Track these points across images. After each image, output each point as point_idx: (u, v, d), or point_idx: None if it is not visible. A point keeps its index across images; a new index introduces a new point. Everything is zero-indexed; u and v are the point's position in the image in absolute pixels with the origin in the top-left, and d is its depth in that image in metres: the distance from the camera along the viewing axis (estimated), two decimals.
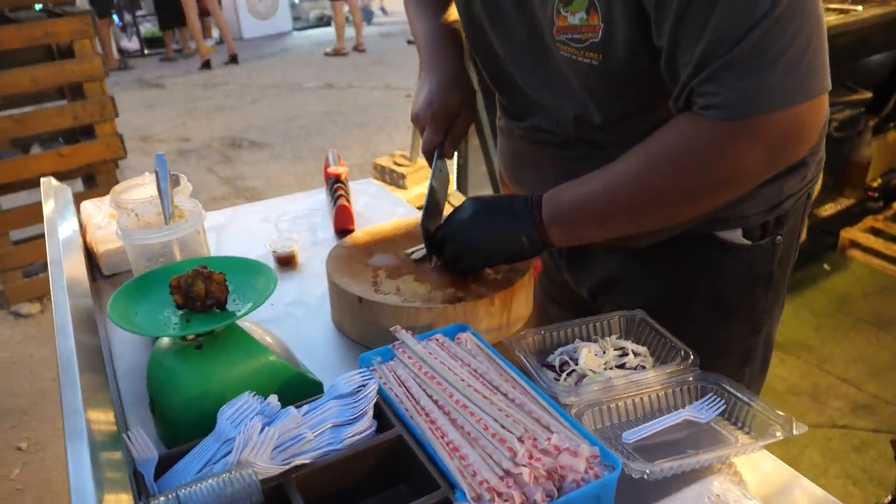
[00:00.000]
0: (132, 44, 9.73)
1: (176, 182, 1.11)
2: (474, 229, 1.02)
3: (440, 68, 1.13)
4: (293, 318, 1.17)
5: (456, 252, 1.04)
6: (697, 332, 1.09)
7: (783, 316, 1.20)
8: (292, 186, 4.68)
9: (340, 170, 1.58)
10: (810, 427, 1.08)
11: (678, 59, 0.84)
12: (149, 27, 9.75)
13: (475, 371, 0.89)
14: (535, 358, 0.99)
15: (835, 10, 2.82)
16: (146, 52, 9.48)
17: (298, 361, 1.00)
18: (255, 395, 0.82)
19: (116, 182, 3.31)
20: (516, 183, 1.23)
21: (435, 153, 1.10)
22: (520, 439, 0.76)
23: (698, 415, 0.90)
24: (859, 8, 2.79)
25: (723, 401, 0.91)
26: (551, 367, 0.99)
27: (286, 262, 1.35)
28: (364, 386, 0.86)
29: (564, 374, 0.96)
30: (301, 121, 6.08)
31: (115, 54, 8.84)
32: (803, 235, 1.18)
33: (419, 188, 3.36)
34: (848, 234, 3.34)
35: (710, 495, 0.77)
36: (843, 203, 3.37)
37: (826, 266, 3.27)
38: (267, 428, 0.76)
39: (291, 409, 0.79)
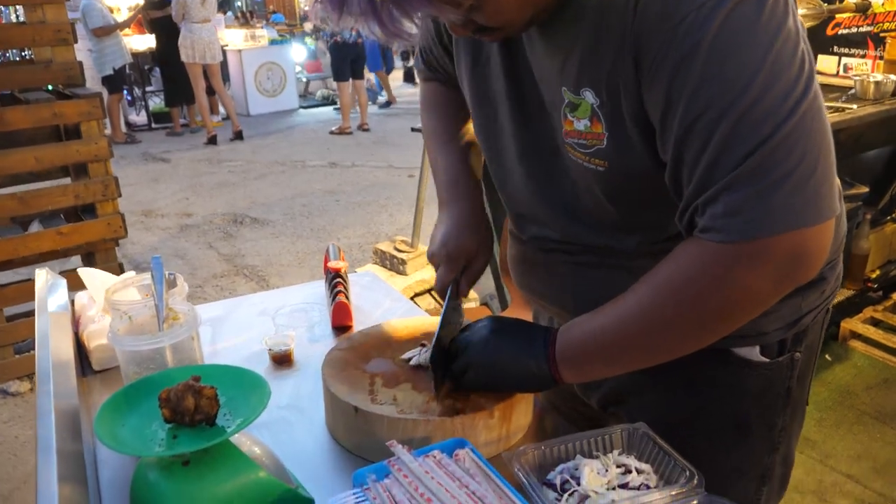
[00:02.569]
0: (140, 118, 9.93)
1: (172, 283, 1.10)
2: (487, 348, 1.00)
3: (458, 210, 1.15)
4: (286, 423, 1.14)
5: (463, 366, 1.02)
6: (711, 450, 1.05)
7: None
8: (291, 265, 4.68)
9: (340, 264, 1.57)
10: None
11: (682, 175, 0.83)
12: (157, 102, 9.97)
13: (473, 493, 0.86)
14: (535, 475, 0.96)
15: (830, 108, 2.88)
16: (153, 126, 9.67)
17: (289, 474, 0.96)
18: None
19: (115, 260, 3.31)
20: (525, 288, 1.21)
21: (448, 292, 1.09)
22: None
23: None
24: (854, 106, 2.85)
25: None
26: (552, 486, 0.96)
27: (282, 360, 1.32)
28: None
29: (566, 496, 0.92)
30: (303, 199, 6.13)
31: (123, 128, 9.01)
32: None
33: (419, 274, 3.36)
34: (848, 324, 3.31)
35: None
36: (844, 294, 3.36)
37: (828, 357, 3.23)
38: None
39: None
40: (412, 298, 3.32)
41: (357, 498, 0.84)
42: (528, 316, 2.37)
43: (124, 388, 0.91)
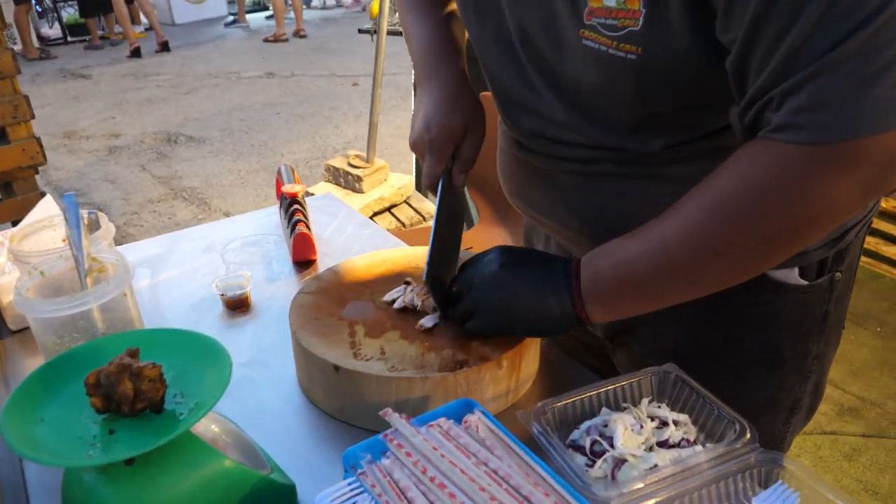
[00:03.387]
0: (54, 31, 9.13)
1: (94, 225, 0.88)
2: (496, 287, 0.83)
3: (438, 86, 0.95)
4: (250, 385, 0.96)
5: (468, 309, 0.85)
6: (737, 385, 0.92)
7: None
8: (234, 186, 4.38)
9: (296, 188, 1.36)
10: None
11: (752, 61, 0.65)
12: (71, 12, 9.16)
13: (495, 473, 0.70)
14: (558, 435, 0.80)
15: None
16: (69, 39, 8.91)
17: (261, 454, 0.79)
18: None
19: (36, 189, 2.99)
20: (521, 200, 1.02)
21: (440, 185, 0.91)
22: None
23: None
24: None
25: (794, 492, 0.74)
26: (579, 449, 0.81)
27: (237, 305, 1.13)
28: None
29: (600, 462, 0.78)
30: (241, 113, 5.74)
31: (35, 43, 8.27)
32: None
33: (377, 191, 3.11)
34: None
35: None
36: None
37: None
38: None
39: None
40: (371, 218, 3.12)
41: (352, 488, 0.67)
42: (500, 237, 2.19)
43: (41, 367, 0.70)
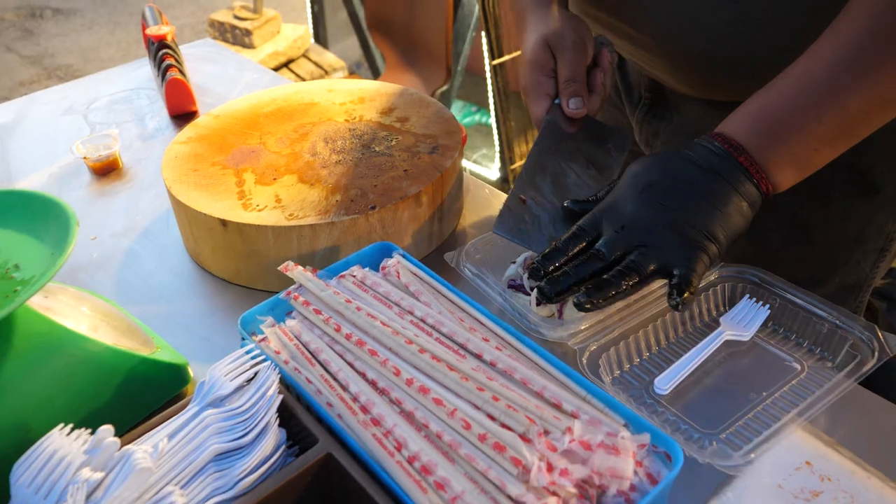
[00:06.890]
0: None
1: None
2: (650, 213, 0.61)
3: (528, 35, 0.79)
4: (131, 258, 0.80)
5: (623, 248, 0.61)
6: (825, 212, 0.78)
7: None
8: (115, 60, 3.96)
9: (164, 30, 1.14)
10: None
11: None
12: None
13: (423, 321, 0.59)
14: (495, 275, 0.70)
15: None
16: None
17: (143, 331, 0.65)
18: (69, 429, 0.48)
19: None
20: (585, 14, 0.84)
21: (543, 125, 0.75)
22: (526, 438, 0.48)
23: (740, 331, 0.64)
24: None
25: (764, 304, 0.66)
26: (519, 288, 0.70)
27: (106, 169, 0.95)
28: (256, 376, 0.53)
29: (534, 295, 0.67)
30: None
31: None
32: None
33: (271, 45, 2.79)
34: None
35: (802, 473, 0.52)
36: None
37: None
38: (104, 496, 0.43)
39: (136, 452, 0.46)
40: None
41: (252, 356, 0.55)
42: (410, 82, 1.96)
43: None
